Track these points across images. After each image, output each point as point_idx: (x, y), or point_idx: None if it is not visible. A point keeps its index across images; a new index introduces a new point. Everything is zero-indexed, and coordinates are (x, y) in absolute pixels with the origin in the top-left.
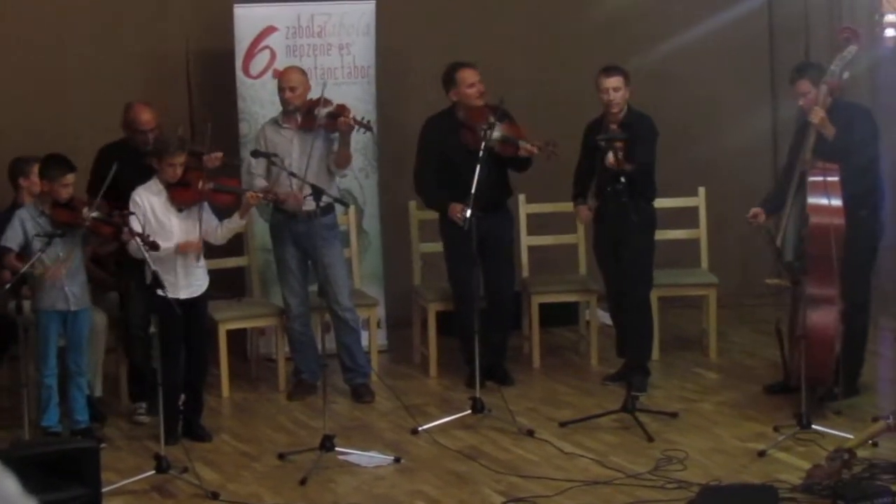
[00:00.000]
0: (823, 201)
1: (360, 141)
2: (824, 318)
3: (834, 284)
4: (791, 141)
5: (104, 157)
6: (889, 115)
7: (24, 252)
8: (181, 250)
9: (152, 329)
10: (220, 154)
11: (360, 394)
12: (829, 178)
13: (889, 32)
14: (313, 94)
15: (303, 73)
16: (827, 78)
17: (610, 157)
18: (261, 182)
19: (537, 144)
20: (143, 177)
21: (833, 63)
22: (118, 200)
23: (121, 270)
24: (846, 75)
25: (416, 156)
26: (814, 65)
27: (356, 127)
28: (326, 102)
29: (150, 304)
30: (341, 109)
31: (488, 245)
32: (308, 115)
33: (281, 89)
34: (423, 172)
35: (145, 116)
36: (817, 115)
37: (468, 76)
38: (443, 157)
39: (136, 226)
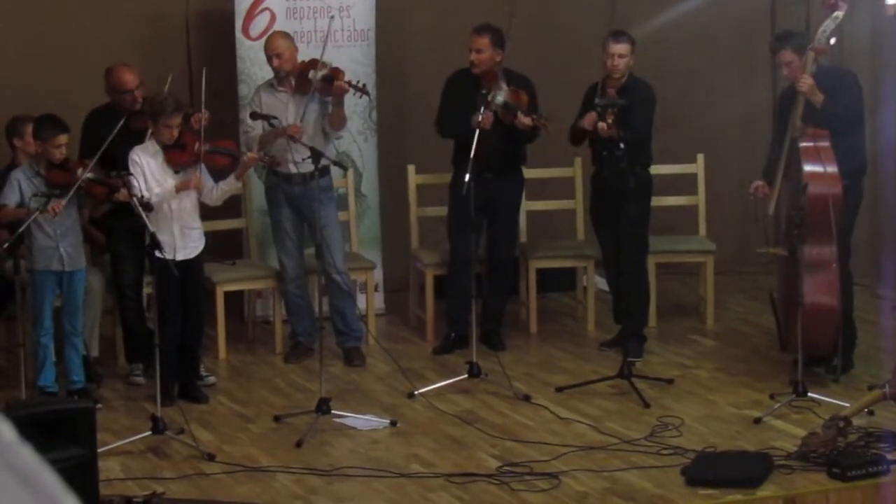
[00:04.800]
0: (818, 168)
1: (359, 104)
2: (826, 285)
3: (832, 251)
4: (778, 109)
5: (91, 122)
6: (891, 85)
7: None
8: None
9: (147, 290)
10: (205, 114)
11: (351, 357)
12: (821, 144)
13: (890, 0)
14: (314, 54)
15: (287, 37)
16: (814, 44)
17: (601, 125)
18: (259, 132)
19: (532, 116)
20: (130, 140)
21: (819, 29)
22: (107, 163)
23: (112, 233)
24: (833, 41)
25: (439, 104)
26: (795, 33)
27: (351, 90)
28: (322, 65)
29: (142, 266)
30: (336, 73)
31: (494, 208)
32: (302, 78)
33: (268, 58)
34: (442, 117)
35: (128, 77)
36: (806, 84)
37: (471, 40)
38: (460, 110)
39: (135, 186)
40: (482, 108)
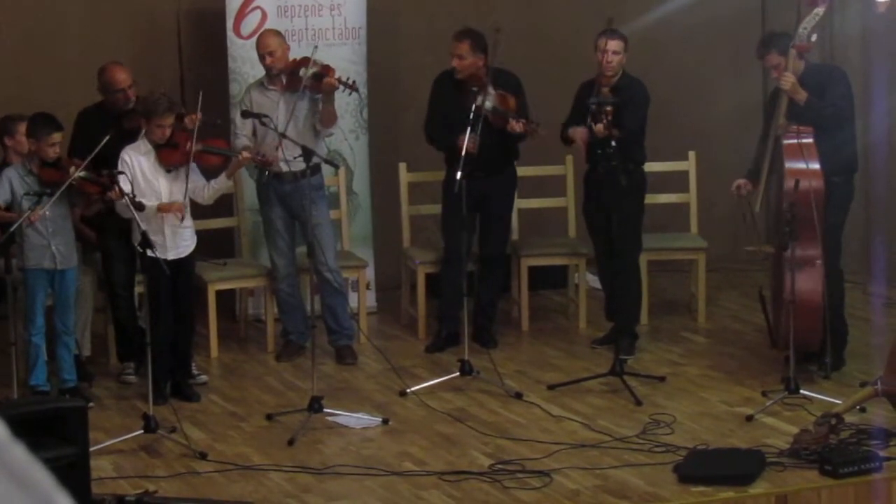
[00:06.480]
0: (801, 165)
1: (350, 102)
2: (811, 282)
3: (817, 247)
4: (765, 109)
5: (83, 122)
6: (882, 81)
7: (12, 211)
8: (160, 211)
9: (138, 289)
10: (196, 115)
11: (344, 356)
12: (804, 140)
13: None
14: (305, 53)
15: (278, 35)
16: (795, 41)
17: (598, 126)
18: (245, 142)
19: (522, 122)
20: (123, 139)
21: (800, 26)
22: (99, 162)
23: (103, 231)
24: (814, 38)
25: (427, 109)
26: (778, 35)
27: (340, 87)
28: (313, 63)
29: (133, 265)
30: (326, 70)
31: (487, 206)
32: (293, 76)
33: (260, 56)
34: (430, 123)
35: (121, 76)
36: (788, 81)
37: (451, 46)
38: (446, 113)
39: (125, 185)
40: (468, 130)
